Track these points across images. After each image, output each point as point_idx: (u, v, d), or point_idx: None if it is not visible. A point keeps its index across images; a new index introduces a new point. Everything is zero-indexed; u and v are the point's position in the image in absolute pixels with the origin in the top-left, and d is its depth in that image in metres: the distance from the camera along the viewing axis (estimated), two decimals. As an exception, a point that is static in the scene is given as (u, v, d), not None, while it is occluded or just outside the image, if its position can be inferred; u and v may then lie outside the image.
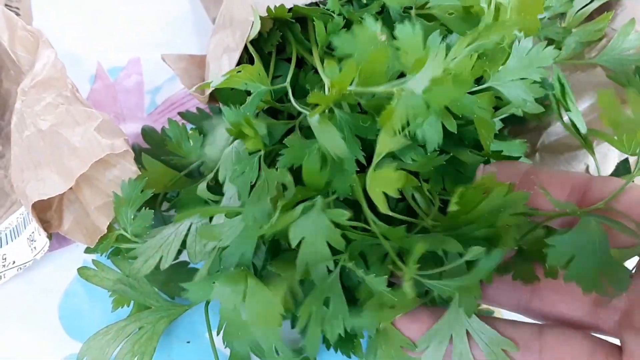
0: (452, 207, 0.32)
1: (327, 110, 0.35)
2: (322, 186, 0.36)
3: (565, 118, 0.42)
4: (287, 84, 0.40)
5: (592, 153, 0.41)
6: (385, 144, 0.31)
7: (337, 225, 0.35)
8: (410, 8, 0.42)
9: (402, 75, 0.37)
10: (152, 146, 0.49)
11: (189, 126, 0.47)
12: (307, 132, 0.38)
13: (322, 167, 0.35)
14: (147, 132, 0.50)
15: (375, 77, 0.33)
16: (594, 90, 0.45)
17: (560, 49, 0.46)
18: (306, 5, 0.42)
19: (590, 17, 0.47)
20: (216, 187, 0.41)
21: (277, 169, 0.36)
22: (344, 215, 0.34)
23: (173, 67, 0.47)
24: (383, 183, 0.30)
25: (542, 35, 0.46)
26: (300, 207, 0.34)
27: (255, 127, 0.37)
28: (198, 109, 0.50)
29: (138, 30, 0.59)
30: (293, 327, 0.43)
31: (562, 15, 0.48)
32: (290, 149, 0.36)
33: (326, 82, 0.38)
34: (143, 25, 0.59)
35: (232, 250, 0.37)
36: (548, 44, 0.46)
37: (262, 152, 0.37)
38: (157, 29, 0.59)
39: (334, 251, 0.35)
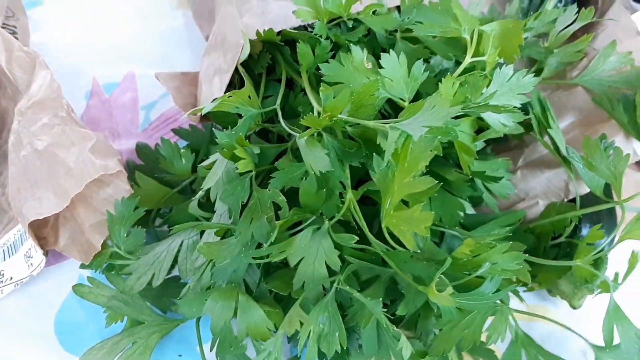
0: (460, 254, 0.34)
1: (315, 134, 0.37)
2: (318, 208, 0.37)
3: (545, 137, 0.43)
4: (277, 106, 0.41)
5: (571, 171, 0.43)
6: (405, 187, 0.32)
7: (336, 246, 0.36)
8: (396, 31, 0.43)
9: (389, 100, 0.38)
10: (146, 162, 0.50)
11: (181, 143, 0.49)
12: (298, 154, 0.39)
13: (318, 189, 0.36)
14: (141, 149, 0.51)
15: (365, 108, 0.35)
16: (575, 108, 0.47)
17: (542, 68, 0.47)
18: (294, 28, 0.44)
19: (573, 36, 0.48)
20: (207, 205, 0.42)
21: (269, 190, 0.37)
22: (351, 239, 0.36)
23: (166, 86, 0.48)
24: (411, 223, 0.31)
25: (525, 55, 0.47)
26: (310, 230, 0.36)
27: (248, 148, 0.38)
28: (191, 125, 0.51)
29: (133, 46, 0.60)
30: (289, 341, 0.44)
31: (545, 34, 0.49)
32: (282, 172, 0.37)
33: (315, 105, 0.39)
34: (138, 41, 0.60)
35: (223, 267, 0.38)
36: (530, 65, 0.48)
37: (252, 173, 0.39)
38: (151, 45, 0.60)
39: (330, 271, 0.36)
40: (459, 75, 0.38)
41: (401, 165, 0.32)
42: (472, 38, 0.38)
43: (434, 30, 0.39)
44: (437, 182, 0.32)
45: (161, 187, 0.46)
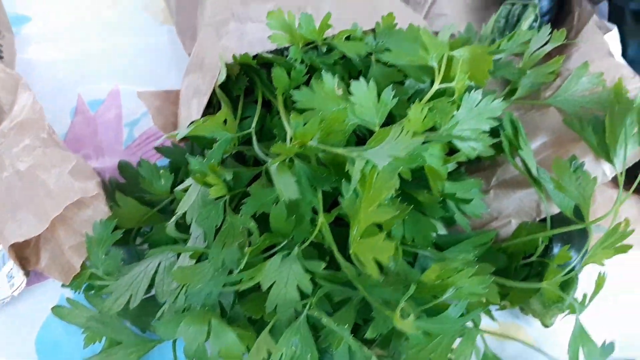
0: (427, 279, 0.35)
1: (287, 160, 0.37)
2: (288, 233, 0.38)
3: (517, 158, 0.44)
4: (252, 129, 0.42)
5: (542, 191, 0.43)
6: (370, 215, 0.33)
7: (307, 270, 0.37)
8: (371, 54, 0.44)
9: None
10: (128, 180, 0.51)
11: (163, 162, 0.49)
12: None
13: (288, 215, 0.37)
14: (123, 167, 0.52)
15: (335, 134, 0.36)
16: (548, 129, 0.47)
17: (516, 88, 0.48)
18: (272, 51, 0.44)
19: (549, 56, 0.49)
20: (185, 226, 0.43)
21: (241, 215, 0.38)
22: (320, 265, 0.37)
23: (147, 106, 0.49)
24: (374, 250, 0.32)
25: (499, 76, 0.48)
26: (279, 256, 0.37)
27: (220, 175, 0.39)
28: (173, 143, 0.52)
29: (118, 62, 0.61)
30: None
31: (521, 54, 0.50)
32: (253, 197, 0.38)
33: (288, 131, 0.40)
34: (123, 57, 0.61)
35: (197, 290, 0.39)
36: (504, 85, 0.49)
37: (226, 197, 0.40)
38: (136, 61, 0.61)
39: (302, 294, 0.37)
40: (429, 100, 0.39)
41: (366, 194, 0.33)
42: (440, 65, 0.38)
43: (403, 59, 0.40)
44: (401, 210, 0.33)
45: (141, 207, 0.47)
